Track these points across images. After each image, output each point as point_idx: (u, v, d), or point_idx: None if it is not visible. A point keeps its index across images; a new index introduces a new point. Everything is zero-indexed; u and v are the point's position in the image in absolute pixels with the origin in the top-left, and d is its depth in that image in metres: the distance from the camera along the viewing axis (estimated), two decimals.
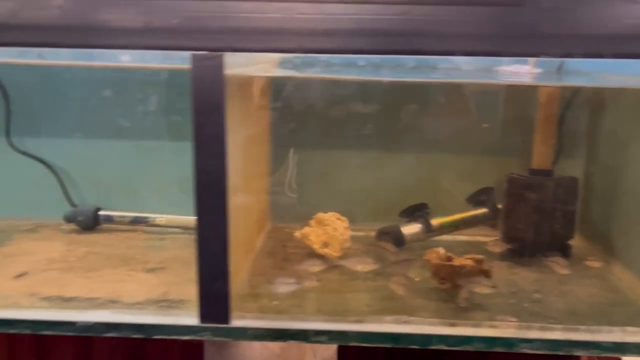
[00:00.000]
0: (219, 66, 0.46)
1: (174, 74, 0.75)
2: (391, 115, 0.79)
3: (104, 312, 0.53)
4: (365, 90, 0.77)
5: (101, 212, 0.80)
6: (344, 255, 0.70)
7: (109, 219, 0.80)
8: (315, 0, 0.45)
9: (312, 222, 0.73)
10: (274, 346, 1.11)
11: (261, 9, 0.46)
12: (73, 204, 0.81)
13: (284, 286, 0.61)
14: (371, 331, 0.51)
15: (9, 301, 0.55)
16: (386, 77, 0.67)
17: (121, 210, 0.81)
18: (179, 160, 0.82)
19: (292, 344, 1.10)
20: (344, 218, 0.73)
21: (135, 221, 0.80)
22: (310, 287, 0.60)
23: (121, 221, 0.80)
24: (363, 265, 0.66)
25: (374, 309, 0.55)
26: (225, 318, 0.51)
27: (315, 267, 0.66)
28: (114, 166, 0.82)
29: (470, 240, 0.79)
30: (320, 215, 0.73)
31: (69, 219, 0.80)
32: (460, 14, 0.45)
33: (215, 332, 0.52)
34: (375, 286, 0.61)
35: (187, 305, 0.56)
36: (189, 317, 0.52)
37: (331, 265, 0.67)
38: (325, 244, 0.70)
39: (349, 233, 0.71)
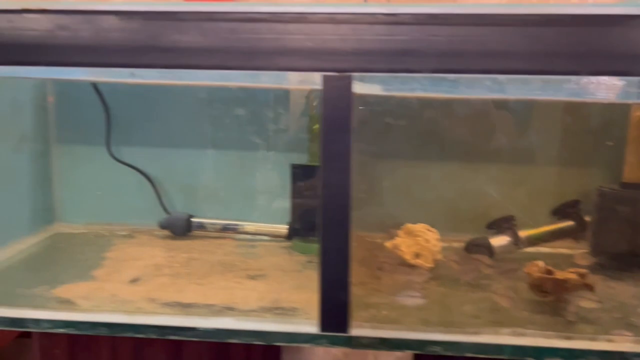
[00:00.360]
0: (348, 86, 0.49)
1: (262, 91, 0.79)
2: (475, 127, 0.80)
3: (227, 319, 0.56)
4: (449, 103, 0.79)
5: (193, 220, 0.83)
6: (437, 266, 0.71)
7: (201, 226, 0.83)
8: (444, 23, 0.47)
9: (401, 232, 0.75)
10: (336, 351, 1.12)
11: (390, 32, 0.48)
12: (167, 211, 0.85)
13: (388, 296, 0.63)
14: (487, 342, 0.52)
15: (133, 306, 0.59)
16: (474, 93, 0.68)
17: (207, 217, 0.84)
18: (264, 170, 0.85)
19: (354, 352, 1.11)
20: (434, 229, 0.74)
21: (226, 228, 0.84)
22: (414, 297, 0.62)
23: (212, 228, 0.84)
24: (463, 276, 0.68)
25: (482, 321, 0.56)
26: (344, 327, 0.53)
27: (417, 277, 0.67)
28: (203, 175, 0.86)
29: (554, 252, 0.79)
30: (410, 226, 0.74)
31: (163, 226, 0.83)
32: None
33: (333, 340, 0.54)
34: (477, 298, 0.62)
35: (300, 312, 0.58)
36: (309, 326, 0.54)
37: (428, 275, 0.69)
38: (417, 255, 0.72)
39: (440, 244, 0.73)
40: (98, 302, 0.60)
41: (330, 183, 0.50)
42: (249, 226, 0.83)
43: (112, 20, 0.50)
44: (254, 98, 0.82)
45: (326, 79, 0.49)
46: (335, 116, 0.49)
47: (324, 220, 0.51)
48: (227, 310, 0.58)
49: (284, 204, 0.83)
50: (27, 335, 1.07)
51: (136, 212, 0.86)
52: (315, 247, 0.77)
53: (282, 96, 0.81)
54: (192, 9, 0.49)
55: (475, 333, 0.53)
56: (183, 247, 0.79)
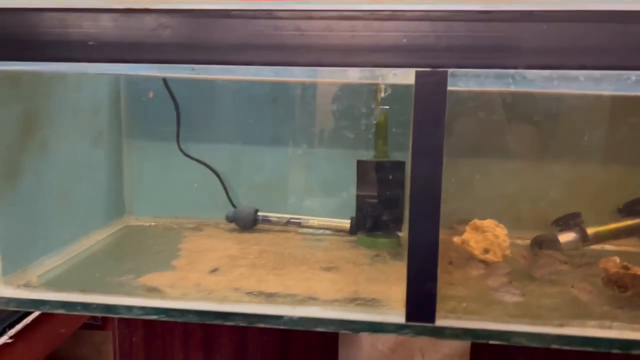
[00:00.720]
0: (442, 82, 0.50)
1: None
2: (542, 123, 0.80)
3: (314, 308, 0.57)
4: (516, 100, 0.79)
5: (259, 213, 0.85)
6: (506, 261, 0.72)
7: (267, 220, 0.86)
8: (539, 20, 0.48)
9: (468, 228, 0.76)
10: (383, 347, 1.14)
11: (484, 28, 0.49)
12: (233, 205, 0.87)
13: (464, 289, 0.64)
14: (573, 335, 0.53)
15: (219, 295, 0.61)
16: (547, 88, 0.69)
17: (271, 211, 0.86)
18: (326, 166, 0.87)
19: (401, 347, 1.12)
20: (501, 225, 0.75)
21: (290, 222, 0.85)
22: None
23: (278, 222, 0.85)
24: (535, 271, 0.68)
25: (562, 314, 0.57)
26: (431, 318, 0.54)
27: (500, 270, 0.68)
28: (267, 171, 0.88)
29: (618, 250, 0.79)
30: (477, 221, 0.75)
31: (230, 219, 0.86)
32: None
33: (418, 330, 0.55)
34: (554, 292, 0.63)
35: (382, 304, 0.60)
36: (395, 316, 0.55)
37: (508, 269, 0.70)
38: (486, 250, 0.73)
39: (509, 240, 0.73)
40: (184, 290, 0.62)
41: (421, 177, 0.52)
42: (313, 220, 0.85)
43: (211, 20, 0.52)
44: (318, 94, 0.84)
45: (419, 75, 0.50)
46: (428, 111, 0.50)
47: (412, 212, 0.53)
48: (310, 299, 0.60)
49: (347, 199, 0.84)
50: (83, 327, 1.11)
51: (202, 206, 0.88)
52: (382, 241, 0.79)
53: (347, 92, 0.83)
54: (289, 7, 0.51)
55: (561, 325, 0.54)
56: (251, 239, 0.81)
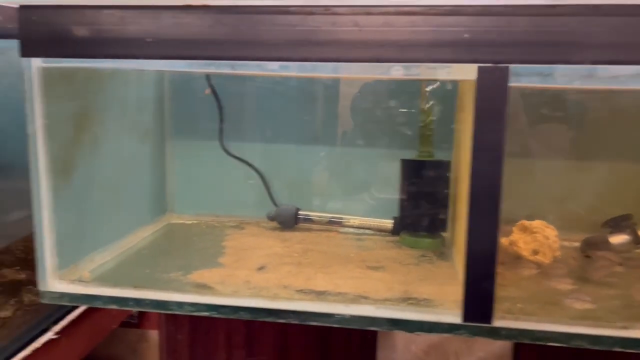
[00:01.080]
0: (504, 77, 0.49)
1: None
2: (593, 122, 0.78)
3: (367, 306, 0.57)
4: (567, 97, 0.78)
5: (301, 212, 0.85)
6: (557, 263, 0.70)
7: (308, 219, 0.85)
8: (606, 14, 0.47)
9: (515, 229, 0.74)
10: (417, 350, 1.12)
11: (548, 23, 0.48)
12: (275, 204, 0.87)
13: (517, 290, 0.63)
14: (637, 337, 0.52)
15: (270, 292, 0.61)
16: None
17: (311, 210, 0.86)
18: (367, 166, 0.86)
19: (435, 349, 1.11)
20: (551, 226, 0.73)
21: (331, 222, 0.85)
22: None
23: (319, 221, 0.85)
24: (592, 273, 0.67)
25: (620, 317, 0.56)
26: (488, 318, 0.53)
27: (556, 272, 0.67)
28: (307, 170, 0.88)
29: None
30: (525, 222, 0.74)
31: (271, 218, 0.86)
32: None
33: (474, 330, 0.54)
34: (610, 294, 0.61)
35: (434, 304, 0.59)
36: (451, 316, 0.55)
37: (565, 270, 0.68)
38: (536, 251, 0.71)
39: (559, 241, 0.72)
40: (234, 287, 0.62)
41: (481, 174, 0.51)
42: (354, 220, 0.85)
43: (269, 16, 0.52)
44: (360, 91, 0.83)
45: (481, 70, 0.49)
46: (489, 107, 0.50)
47: (471, 209, 0.52)
48: (361, 298, 0.60)
49: (388, 198, 0.84)
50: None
51: (242, 205, 0.89)
52: (426, 242, 0.78)
53: (389, 89, 0.82)
54: (346, 3, 0.51)
55: (625, 328, 0.52)
56: (293, 238, 0.81)
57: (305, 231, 0.85)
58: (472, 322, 0.54)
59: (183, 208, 0.90)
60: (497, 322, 0.54)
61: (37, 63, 0.56)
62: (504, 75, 0.49)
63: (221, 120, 0.86)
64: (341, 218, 0.85)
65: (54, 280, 0.61)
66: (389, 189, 0.84)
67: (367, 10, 0.50)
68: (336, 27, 0.51)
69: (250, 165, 0.86)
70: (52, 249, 0.60)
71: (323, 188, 0.88)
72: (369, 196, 0.87)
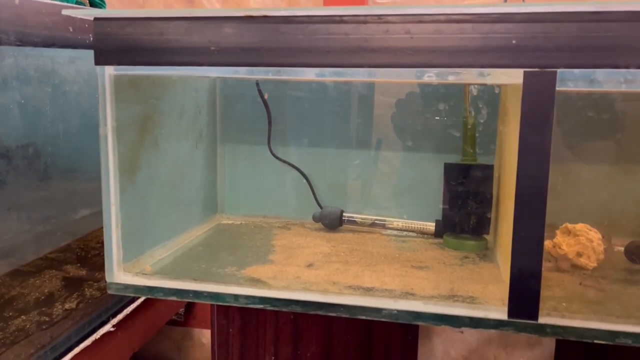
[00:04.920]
0: (552, 82, 0.51)
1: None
2: (635, 127, 0.79)
3: (415, 302, 0.59)
4: (611, 101, 0.79)
5: (345, 214, 0.88)
6: (602, 266, 0.71)
7: (352, 221, 0.88)
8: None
9: (559, 232, 0.75)
10: (456, 354, 1.13)
11: (595, 29, 0.50)
12: (320, 206, 0.90)
13: (561, 290, 0.64)
14: None
15: (320, 287, 0.64)
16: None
17: (354, 213, 0.89)
18: (409, 169, 0.89)
19: (475, 354, 1.11)
20: (595, 229, 0.74)
21: (374, 224, 0.88)
22: (589, 292, 0.63)
23: (362, 223, 0.88)
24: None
25: None
26: (534, 315, 0.55)
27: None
28: (350, 173, 0.91)
29: None
30: (569, 225, 0.75)
31: (316, 219, 0.89)
32: None
33: (520, 327, 0.56)
34: None
35: (480, 301, 0.61)
36: (497, 312, 0.56)
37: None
38: (579, 254, 0.72)
39: (603, 245, 0.73)
40: (286, 282, 0.65)
41: (527, 176, 0.53)
42: (397, 222, 0.87)
43: (325, 25, 0.55)
44: (404, 96, 0.86)
45: (527, 75, 0.51)
46: (536, 111, 0.52)
47: (517, 210, 0.54)
48: (408, 295, 0.62)
49: (430, 202, 0.86)
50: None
51: (288, 206, 0.92)
52: (469, 244, 0.80)
53: (432, 94, 0.84)
54: (398, 12, 0.54)
55: None
56: (338, 238, 0.84)
57: (349, 232, 0.87)
58: (518, 318, 0.55)
59: (232, 209, 0.94)
60: (543, 319, 0.55)
61: (109, 71, 0.61)
62: (551, 79, 0.51)
63: (269, 123, 0.90)
64: (384, 220, 0.87)
65: (120, 273, 0.65)
66: (431, 192, 0.86)
67: (419, 19, 0.53)
68: (389, 34, 0.54)
69: (296, 168, 0.90)
70: (119, 244, 0.65)
71: (366, 191, 0.91)
72: (412, 199, 0.89)
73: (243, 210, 0.93)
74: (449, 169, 0.81)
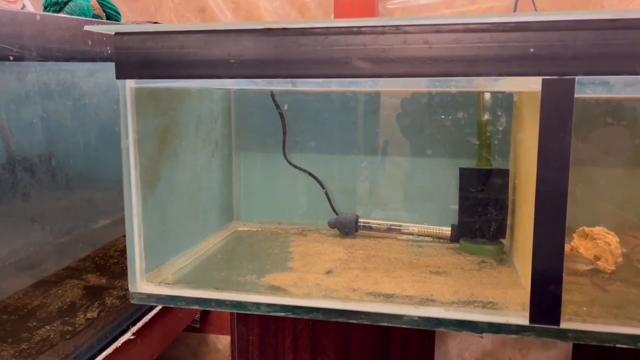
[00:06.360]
0: (570, 89, 0.51)
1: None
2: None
3: (436, 308, 0.60)
4: (627, 106, 0.79)
5: (361, 220, 0.89)
6: (620, 270, 0.71)
7: (368, 226, 0.89)
8: None
9: (575, 235, 0.76)
10: (470, 357, 1.13)
11: (612, 36, 0.50)
12: (335, 212, 0.91)
13: (580, 295, 0.64)
14: None
15: (340, 295, 0.64)
16: None
17: (369, 218, 0.89)
18: (424, 175, 0.89)
19: (490, 356, 1.11)
20: (612, 232, 0.74)
21: (390, 229, 0.88)
22: (609, 296, 0.63)
23: (378, 228, 0.88)
24: None
25: None
26: (556, 320, 0.55)
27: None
28: (365, 179, 0.91)
29: None
30: (586, 229, 0.75)
31: (332, 225, 0.90)
32: None
33: (541, 332, 0.56)
34: None
35: (500, 306, 0.61)
36: (518, 317, 0.57)
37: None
38: (597, 257, 0.73)
39: (621, 248, 0.73)
40: (306, 290, 0.66)
41: (547, 182, 0.53)
42: (413, 227, 0.88)
43: (343, 37, 0.56)
44: (417, 103, 0.87)
45: (546, 83, 0.52)
46: (555, 118, 0.52)
47: (537, 215, 0.54)
48: (429, 301, 0.62)
49: (446, 207, 0.86)
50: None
51: (303, 213, 0.93)
52: (486, 248, 0.80)
53: (446, 101, 0.85)
54: (416, 22, 0.54)
55: None
56: (355, 244, 0.84)
57: (365, 238, 0.88)
58: (539, 323, 0.56)
59: (248, 216, 0.95)
60: (564, 324, 0.55)
61: (130, 84, 0.62)
62: (570, 86, 0.51)
63: (284, 132, 0.90)
64: (400, 225, 0.88)
65: (143, 283, 0.66)
66: (446, 197, 0.87)
67: (437, 29, 0.54)
68: (407, 44, 0.55)
69: (311, 175, 0.91)
70: (141, 254, 0.66)
71: (381, 196, 0.91)
72: (427, 204, 0.89)
73: (259, 217, 0.94)
74: (464, 174, 0.82)
